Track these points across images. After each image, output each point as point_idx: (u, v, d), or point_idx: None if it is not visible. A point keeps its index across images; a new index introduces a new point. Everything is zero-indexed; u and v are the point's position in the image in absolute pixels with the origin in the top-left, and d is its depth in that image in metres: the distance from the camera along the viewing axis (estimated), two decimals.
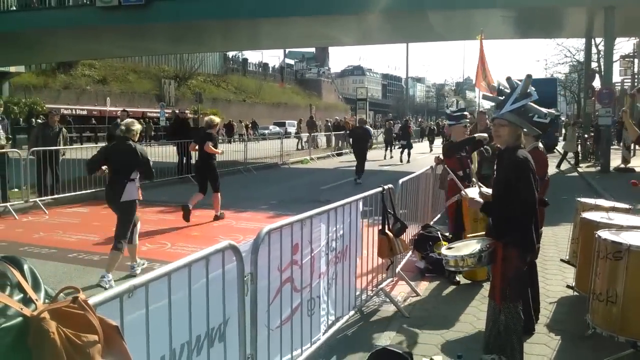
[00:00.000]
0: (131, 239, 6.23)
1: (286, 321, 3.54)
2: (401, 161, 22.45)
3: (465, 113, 6.77)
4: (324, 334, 4.07)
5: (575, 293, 5.28)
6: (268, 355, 3.29)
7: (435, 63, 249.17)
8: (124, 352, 1.68)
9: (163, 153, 16.10)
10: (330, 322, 4.24)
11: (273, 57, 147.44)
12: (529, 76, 3.71)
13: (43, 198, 10.78)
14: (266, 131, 43.11)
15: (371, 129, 18.97)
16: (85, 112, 41.13)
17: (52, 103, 35.31)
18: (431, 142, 31.16)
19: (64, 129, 12.36)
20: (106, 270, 5.90)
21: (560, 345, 4.39)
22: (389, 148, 25.79)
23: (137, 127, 6.37)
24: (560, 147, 25.45)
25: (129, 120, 6.76)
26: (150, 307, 2.31)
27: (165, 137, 28.25)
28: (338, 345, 4.40)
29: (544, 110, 3.95)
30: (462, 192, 4.71)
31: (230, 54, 64.10)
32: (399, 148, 24.27)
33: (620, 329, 3.81)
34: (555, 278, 6.15)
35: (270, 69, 74.48)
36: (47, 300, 1.63)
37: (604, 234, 4.12)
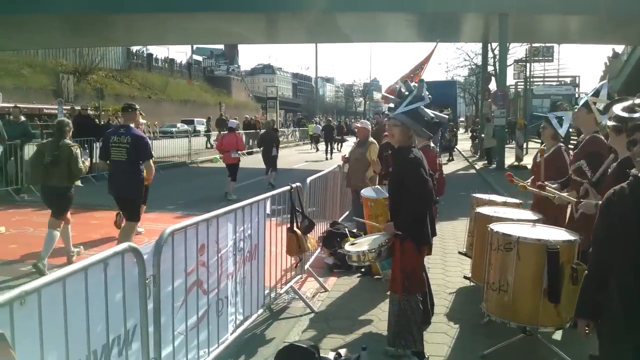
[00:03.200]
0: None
1: (193, 323, 3.47)
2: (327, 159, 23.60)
3: None
4: (231, 333, 4.04)
5: (472, 283, 5.60)
6: (173, 358, 3.22)
7: (344, 64, 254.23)
8: None
9: None
10: (238, 321, 4.21)
11: (180, 53, 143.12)
12: (421, 81, 3.93)
13: None
14: (173, 129, 41.81)
15: (277, 133, 18.18)
16: None
17: None
18: (340, 141, 31.87)
19: None
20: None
21: (458, 334, 4.65)
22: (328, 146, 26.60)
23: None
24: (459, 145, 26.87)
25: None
26: (43, 314, 2.19)
27: None
28: (246, 344, 4.39)
29: (432, 113, 4.17)
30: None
31: (134, 48, 61.48)
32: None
33: (511, 315, 4.07)
34: (454, 270, 6.50)
35: (177, 65, 72.35)
36: None
37: (496, 227, 4.38)
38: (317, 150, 29.57)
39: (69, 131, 6.79)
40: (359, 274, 6.26)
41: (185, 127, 43.95)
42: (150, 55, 66.42)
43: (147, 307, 2.89)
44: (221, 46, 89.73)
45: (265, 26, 24.87)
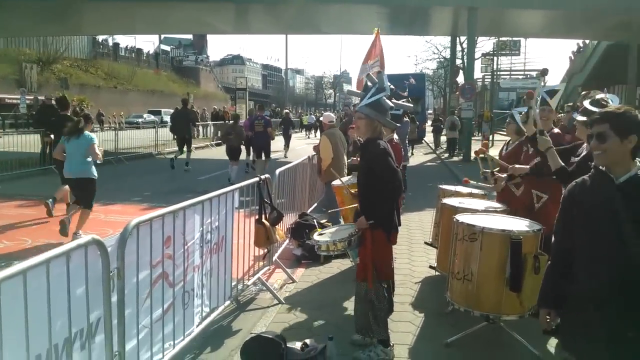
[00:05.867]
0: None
1: (158, 316, 3.44)
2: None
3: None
4: (197, 326, 4.02)
5: (437, 273, 5.71)
6: (137, 351, 3.19)
7: (315, 55, 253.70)
8: None
9: (24, 143, 14.79)
10: (205, 313, 4.19)
11: (147, 43, 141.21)
12: (379, 72, 3.98)
13: None
14: (140, 120, 41.01)
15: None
16: None
17: None
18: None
19: None
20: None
21: (423, 322, 4.73)
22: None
23: None
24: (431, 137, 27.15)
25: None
26: (3, 307, 2.14)
27: (28, 125, 25.82)
28: (213, 336, 4.38)
29: (391, 103, 4.21)
30: None
31: (100, 37, 60.06)
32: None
33: (475, 304, 4.15)
34: (420, 260, 6.59)
35: (145, 54, 71.00)
36: None
37: (461, 217, 4.46)
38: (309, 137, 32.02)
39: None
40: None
41: (152, 117, 43.22)
42: (116, 44, 65.00)
43: (110, 300, 2.85)
44: (190, 36, 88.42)
45: (235, 17, 24.65)
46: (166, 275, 3.53)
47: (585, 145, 3.81)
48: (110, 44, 64.21)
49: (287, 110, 32.84)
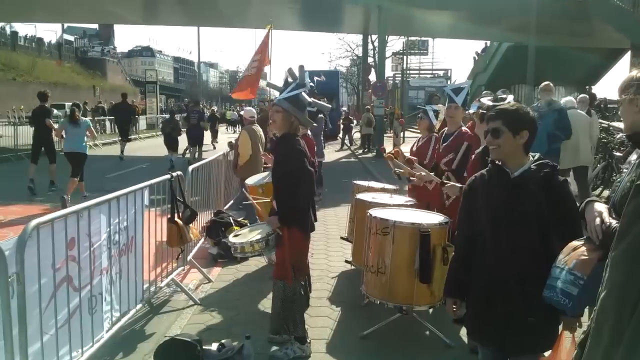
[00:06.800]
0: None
1: (63, 322, 3.24)
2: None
3: None
4: (107, 331, 3.83)
5: (353, 267, 5.81)
6: (42, 359, 2.99)
7: (229, 49, 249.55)
8: None
9: None
10: (115, 318, 4.00)
11: (49, 32, 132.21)
12: (301, 67, 3.96)
13: None
14: None
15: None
16: None
17: None
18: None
19: None
20: None
21: (340, 316, 4.80)
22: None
23: None
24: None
25: None
26: None
27: None
28: (125, 341, 4.19)
29: (309, 99, 4.21)
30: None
31: None
32: None
33: (389, 296, 4.26)
34: (336, 254, 6.69)
35: (46, 44, 66.58)
36: None
37: (374, 212, 4.56)
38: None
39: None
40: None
41: (56, 112, 40.71)
42: (15, 33, 60.47)
43: (9, 307, 2.65)
44: (95, 26, 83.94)
45: (143, 6, 23.75)
46: (70, 279, 3.33)
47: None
48: (8, 32, 59.66)
49: (214, 108, 32.36)
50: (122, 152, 17.48)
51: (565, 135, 7.59)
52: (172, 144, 15.09)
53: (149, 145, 21.42)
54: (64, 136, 10.32)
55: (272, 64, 8.62)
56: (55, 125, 11.27)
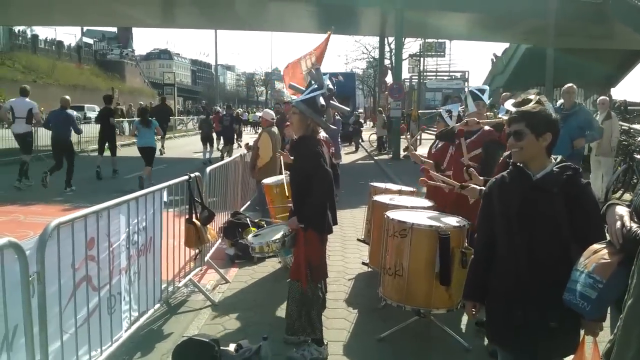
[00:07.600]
0: None
1: (83, 322, 3.27)
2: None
3: None
4: (126, 331, 3.86)
5: (370, 269, 5.78)
6: (62, 357, 3.02)
7: (246, 51, 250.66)
8: None
9: None
10: (133, 318, 4.03)
11: (69, 35, 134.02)
12: (317, 69, 3.95)
13: None
14: None
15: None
16: None
17: None
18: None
19: None
20: None
21: (357, 318, 4.78)
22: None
23: None
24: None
25: None
26: None
27: None
28: (143, 340, 4.22)
29: (324, 102, 4.19)
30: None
31: (17, 28, 56.47)
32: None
33: (406, 299, 4.24)
34: (353, 256, 6.66)
35: (66, 47, 67.47)
36: None
37: (391, 214, 4.54)
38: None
39: None
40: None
41: (75, 113, 41.19)
42: (35, 36, 61.43)
43: (30, 306, 2.68)
44: (114, 29, 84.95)
45: (161, 9, 23.96)
46: (90, 279, 3.36)
47: None
48: (29, 35, 60.61)
49: (239, 110, 32.77)
50: (162, 146, 19.71)
51: (599, 135, 7.84)
52: (209, 140, 18.18)
53: (167, 146, 21.53)
54: (136, 134, 12.43)
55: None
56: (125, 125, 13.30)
